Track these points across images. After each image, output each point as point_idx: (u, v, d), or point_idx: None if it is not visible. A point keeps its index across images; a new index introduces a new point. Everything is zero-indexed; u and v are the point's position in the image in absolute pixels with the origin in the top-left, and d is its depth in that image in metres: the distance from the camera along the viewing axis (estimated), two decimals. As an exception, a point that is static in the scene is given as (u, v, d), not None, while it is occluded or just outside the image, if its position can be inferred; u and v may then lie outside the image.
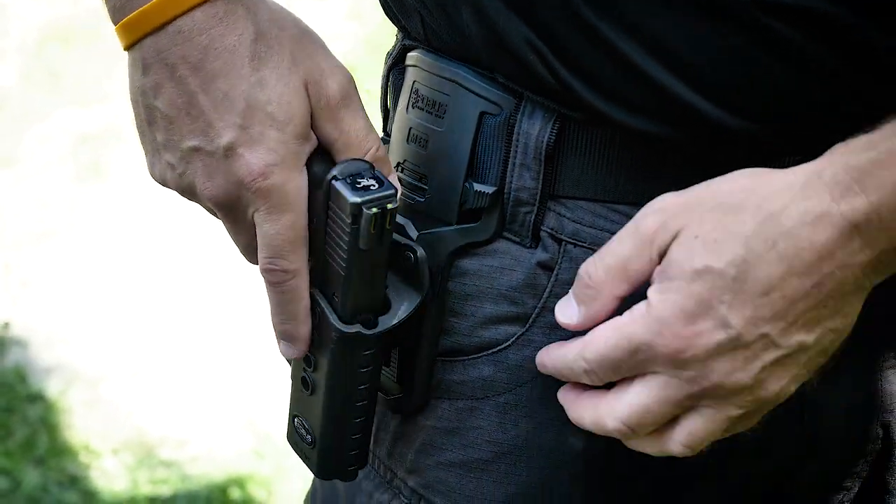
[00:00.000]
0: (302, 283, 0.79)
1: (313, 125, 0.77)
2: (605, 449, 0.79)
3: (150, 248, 3.60)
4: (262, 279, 0.80)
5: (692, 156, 0.74)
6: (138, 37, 0.76)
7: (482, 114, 0.79)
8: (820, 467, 0.85)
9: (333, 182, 0.76)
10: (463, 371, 0.82)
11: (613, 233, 0.74)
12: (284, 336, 0.81)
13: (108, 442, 2.76)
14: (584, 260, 0.74)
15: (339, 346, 0.79)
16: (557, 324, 0.75)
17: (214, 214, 0.80)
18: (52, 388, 2.92)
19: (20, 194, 3.90)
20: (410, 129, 0.83)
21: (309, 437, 0.85)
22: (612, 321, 0.71)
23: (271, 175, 0.75)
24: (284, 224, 0.76)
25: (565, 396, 0.77)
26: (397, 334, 0.82)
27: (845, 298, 0.69)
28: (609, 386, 0.74)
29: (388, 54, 0.89)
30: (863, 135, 0.67)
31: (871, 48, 0.70)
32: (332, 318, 0.79)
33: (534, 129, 0.78)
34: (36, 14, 5.13)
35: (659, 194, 0.72)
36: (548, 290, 0.79)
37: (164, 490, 2.63)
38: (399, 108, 0.85)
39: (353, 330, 0.79)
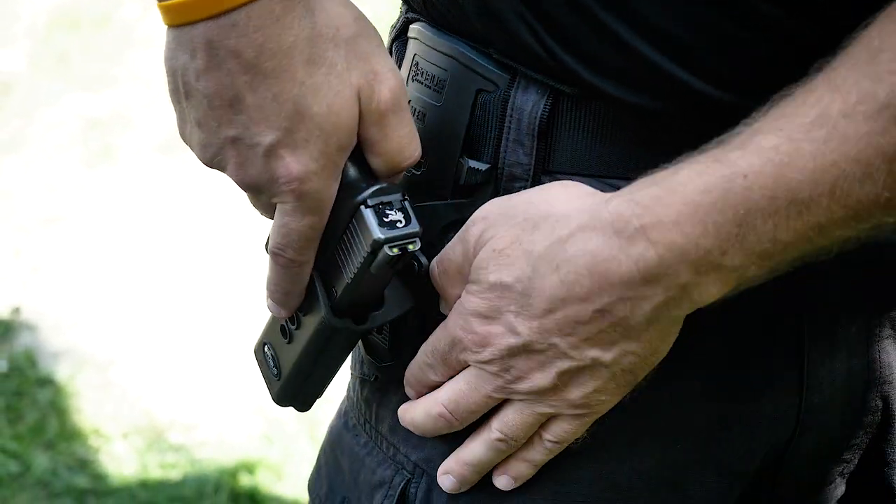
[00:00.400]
0: (305, 271, 0.79)
1: (359, 127, 0.76)
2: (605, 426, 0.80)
3: (160, 232, 3.60)
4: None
5: (683, 128, 0.75)
6: (188, 21, 0.73)
7: (478, 91, 0.80)
8: (818, 438, 0.85)
9: (362, 208, 0.75)
10: None
11: None
12: (274, 299, 0.81)
13: (117, 426, 2.77)
14: None
15: (325, 330, 0.80)
16: None
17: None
18: (62, 373, 2.92)
19: (29, 179, 3.90)
20: (409, 102, 0.82)
21: (275, 369, 0.87)
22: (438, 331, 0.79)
23: (308, 182, 0.74)
24: (305, 224, 0.76)
25: (405, 409, 0.83)
26: (383, 328, 0.84)
27: (641, 327, 0.71)
28: None
29: (392, 27, 0.89)
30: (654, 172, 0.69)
31: (850, 25, 0.69)
32: (325, 309, 0.79)
33: (527, 105, 0.78)
34: (45, -1, 5.12)
35: (651, 167, 0.72)
36: None
37: (174, 474, 2.64)
38: None
39: (342, 325, 0.80)
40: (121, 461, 2.66)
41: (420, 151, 0.78)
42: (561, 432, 0.77)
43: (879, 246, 0.76)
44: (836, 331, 0.83)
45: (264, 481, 2.63)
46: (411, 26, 0.85)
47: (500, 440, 0.78)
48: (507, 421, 0.78)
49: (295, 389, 0.87)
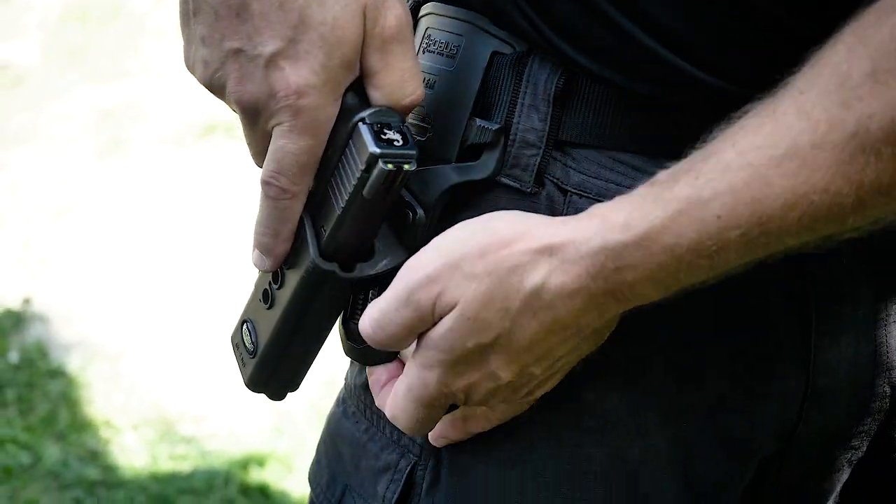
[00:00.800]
0: (297, 206, 0.78)
1: (361, 53, 0.75)
2: (610, 410, 0.81)
3: (171, 224, 3.60)
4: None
5: (688, 112, 0.75)
6: None
7: (494, 53, 0.79)
8: (824, 421, 0.85)
9: (360, 124, 0.75)
10: None
11: (618, 184, 0.76)
12: (260, 247, 0.80)
13: (128, 417, 2.77)
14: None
15: (311, 277, 0.79)
16: None
17: (234, 111, 0.79)
18: (73, 364, 2.93)
19: (40, 171, 3.91)
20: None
21: (252, 345, 0.85)
22: (402, 390, 0.78)
23: (306, 96, 0.74)
24: (301, 147, 0.75)
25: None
26: (368, 285, 0.81)
27: (600, 332, 0.76)
28: None
29: None
30: (625, 201, 0.70)
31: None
32: (313, 250, 0.78)
33: (543, 73, 0.78)
34: (57, -10, 5.13)
35: (662, 143, 0.73)
36: None
37: (184, 466, 2.64)
38: None
39: (329, 268, 0.78)
40: (131, 453, 2.67)
41: (422, 91, 0.77)
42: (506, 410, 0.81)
43: (887, 230, 0.76)
44: (843, 313, 0.82)
45: (274, 474, 2.63)
46: (423, 6, 0.85)
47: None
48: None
49: (271, 366, 0.85)
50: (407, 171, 0.74)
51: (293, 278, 0.80)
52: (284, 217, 0.78)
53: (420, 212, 0.79)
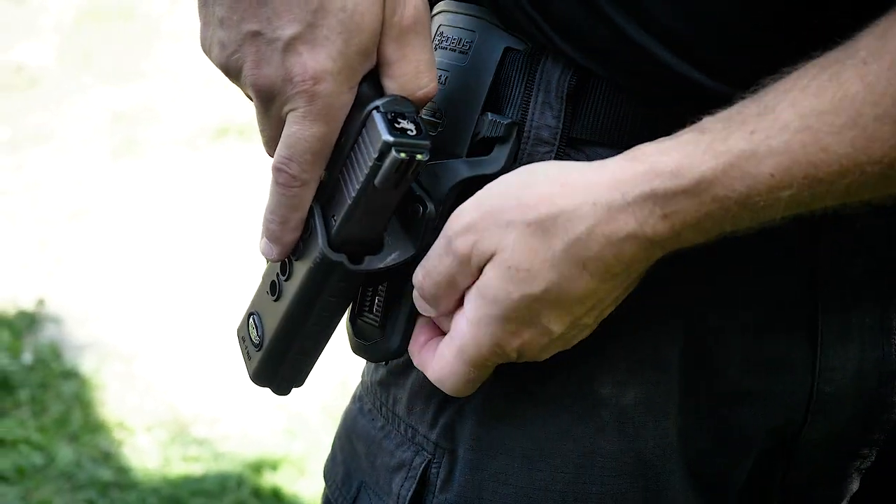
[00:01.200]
0: (307, 195, 0.78)
1: (379, 42, 0.75)
2: (631, 403, 0.81)
3: (185, 226, 3.61)
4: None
5: (694, 112, 0.74)
6: None
7: (507, 49, 0.79)
8: (830, 426, 0.85)
9: (374, 112, 0.74)
10: None
11: None
12: (269, 236, 0.80)
13: (141, 419, 2.78)
14: None
15: (319, 268, 0.78)
16: None
17: (249, 97, 0.78)
18: (87, 365, 2.94)
19: (55, 172, 3.92)
20: None
21: (258, 338, 0.85)
22: (450, 349, 0.77)
23: (322, 82, 0.73)
24: (314, 133, 0.75)
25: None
26: (376, 278, 0.81)
27: (643, 273, 0.75)
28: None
29: None
30: (674, 147, 0.70)
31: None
32: (322, 240, 0.77)
33: (556, 72, 0.78)
34: (72, -8, 5.15)
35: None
36: None
37: (197, 468, 2.64)
38: None
39: (338, 259, 0.77)
40: (144, 454, 2.67)
41: (436, 84, 0.77)
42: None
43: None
44: (850, 318, 0.83)
45: (287, 476, 2.63)
46: (436, 5, 0.85)
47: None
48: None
49: (277, 360, 0.85)
50: (419, 160, 0.73)
51: (301, 269, 0.79)
52: (294, 205, 0.78)
53: (430, 206, 0.78)
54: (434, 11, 0.85)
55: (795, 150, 0.67)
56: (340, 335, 0.85)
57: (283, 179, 0.77)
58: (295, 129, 0.75)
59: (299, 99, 0.74)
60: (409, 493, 0.85)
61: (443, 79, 0.82)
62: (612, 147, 0.76)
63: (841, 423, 0.85)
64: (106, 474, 2.59)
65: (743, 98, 0.69)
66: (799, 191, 0.67)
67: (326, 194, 0.78)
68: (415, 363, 0.81)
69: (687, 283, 0.79)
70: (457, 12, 0.83)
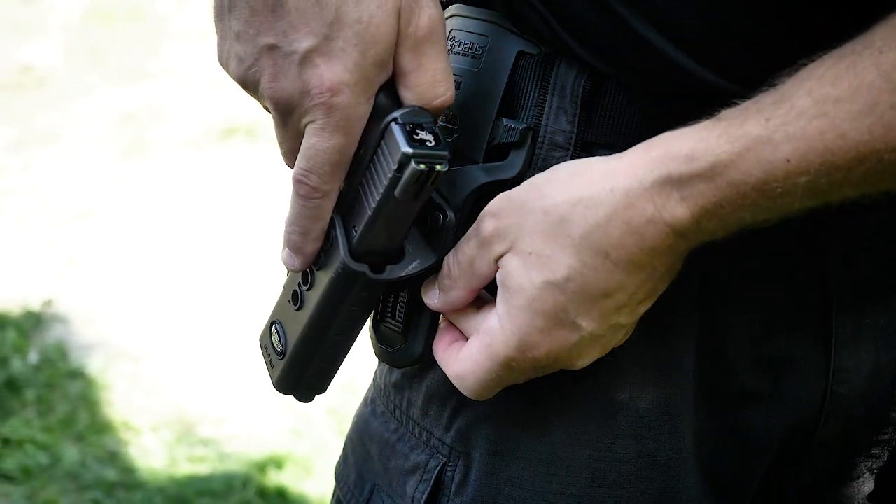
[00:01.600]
0: (327, 205, 0.78)
1: (395, 52, 0.75)
2: (646, 408, 0.81)
3: (193, 226, 3.61)
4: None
5: (707, 114, 0.75)
6: None
7: (520, 53, 0.79)
8: (843, 426, 0.85)
9: (392, 124, 0.75)
10: None
11: None
12: (291, 246, 0.80)
13: (147, 419, 2.78)
14: None
15: (341, 278, 0.78)
16: None
17: (267, 110, 0.79)
18: (93, 365, 2.94)
19: (63, 172, 3.92)
20: None
21: (281, 347, 0.85)
22: (477, 345, 0.77)
23: (340, 94, 0.73)
24: (333, 145, 0.75)
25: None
26: (398, 286, 0.81)
27: (672, 270, 0.74)
28: None
29: None
30: (689, 132, 0.70)
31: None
32: (343, 250, 0.78)
33: (570, 76, 0.78)
34: (80, -8, 5.16)
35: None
36: None
37: (203, 468, 2.64)
38: None
39: (359, 269, 0.78)
40: (150, 454, 2.67)
41: (452, 92, 0.77)
42: None
43: None
44: (863, 318, 0.83)
45: (292, 476, 2.63)
46: (448, 8, 0.85)
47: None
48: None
49: (300, 368, 0.85)
50: (439, 171, 0.74)
51: (323, 279, 0.80)
52: (315, 216, 0.78)
53: (450, 214, 0.79)
54: (445, 16, 0.85)
55: (812, 136, 0.66)
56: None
57: (304, 191, 0.77)
58: (314, 140, 0.75)
59: (317, 111, 0.74)
60: (424, 496, 0.86)
61: (456, 84, 0.82)
62: (623, 150, 0.76)
63: (854, 424, 0.85)
64: (112, 474, 2.59)
65: (760, 91, 0.69)
66: (816, 177, 0.67)
67: (347, 205, 0.79)
68: (438, 362, 0.81)
69: (699, 283, 0.79)
70: (468, 17, 0.83)
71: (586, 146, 0.78)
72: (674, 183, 0.69)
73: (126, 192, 3.82)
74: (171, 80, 4.63)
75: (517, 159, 0.79)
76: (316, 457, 2.67)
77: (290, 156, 0.78)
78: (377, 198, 0.75)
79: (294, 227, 0.79)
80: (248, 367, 2.92)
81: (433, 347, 0.82)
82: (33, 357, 2.95)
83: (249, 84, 0.76)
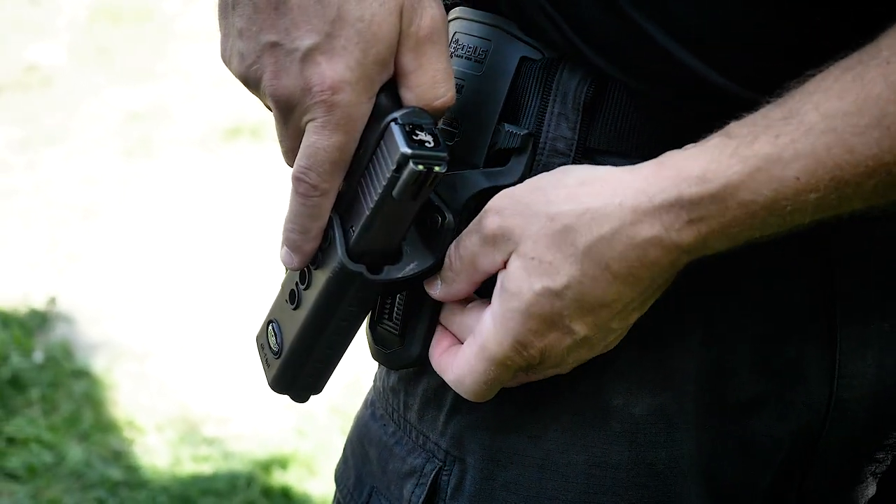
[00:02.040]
0: (326, 204, 0.78)
1: (396, 52, 0.75)
2: (643, 414, 0.80)
3: (197, 226, 3.62)
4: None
5: (714, 121, 0.74)
6: None
7: (523, 58, 0.79)
8: (848, 432, 0.85)
9: (392, 124, 0.75)
10: None
11: None
12: (289, 245, 0.80)
13: (152, 418, 2.78)
14: None
15: (338, 278, 0.78)
16: None
17: (268, 108, 0.79)
18: (98, 364, 2.94)
19: (69, 171, 3.93)
20: None
21: (277, 346, 0.85)
22: (472, 347, 0.77)
23: (341, 92, 0.73)
24: (334, 143, 0.75)
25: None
26: (395, 288, 0.81)
27: (672, 278, 0.75)
28: None
29: None
30: (701, 153, 0.70)
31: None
32: (341, 250, 0.78)
33: (573, 82, 0.78)
34: (86, -8, 5.16)
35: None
36: None
37: (207, 468, 2.65)
38: None
39: (357, 269, 0.78)
40: (154, 453, 2.68)
41: (453, 94, 0.77)
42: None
43: None
44: (868, 324, 0.83)
45: (296, 476, 2.63)
46: (451, 11, 0.85)
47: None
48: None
49: (296, 368, 0.85)
50: (437, 173, 0.74)
51: (320, 279, 0.80)
52: (314, 214, 0.78)
53: (449, 216, 0.78)
54: (449, 18, 0.85)
55: (820, 152, 0.66)
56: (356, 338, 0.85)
57: (303, 189, 0.77)
58: (314, 138, 0.75)
59: (318, 109, 0.74)
60: (421, 500, 0.86)
61: (458, 87, 0.82)
62: (627, 156, 0.76)
63: (859, 429, 0.85)
64: (116, 473, 2.59)
65: (768, 102, 0.69)
66: (826, 193, 0.67)
67: (345, 204, 0.79)
68: (434, 368, 0.81)
69: (701, 292, 0.79)
70: (472, 20, 0.83)
71: (587, 152, 0.78)
72: (684, 204, 0.69)
73: (131, 191, 3.82)
74: (176, 80, 4.64)
75: (518, 165, 0.79)
76: (320, 456, 2.68)
77: (291, 154, 0.79)
78: (375, 198, 0.75)
79: (293, 226, 0.79)
80: (252, 367, 2.92)
81: (429, 355, 0.82)
82: (38, 356, 2.95)
83: (251, 81, 0.77)
